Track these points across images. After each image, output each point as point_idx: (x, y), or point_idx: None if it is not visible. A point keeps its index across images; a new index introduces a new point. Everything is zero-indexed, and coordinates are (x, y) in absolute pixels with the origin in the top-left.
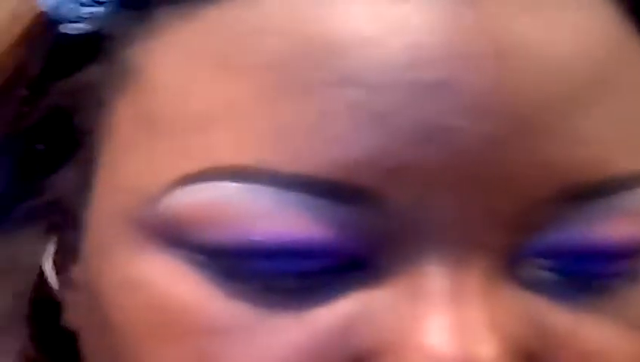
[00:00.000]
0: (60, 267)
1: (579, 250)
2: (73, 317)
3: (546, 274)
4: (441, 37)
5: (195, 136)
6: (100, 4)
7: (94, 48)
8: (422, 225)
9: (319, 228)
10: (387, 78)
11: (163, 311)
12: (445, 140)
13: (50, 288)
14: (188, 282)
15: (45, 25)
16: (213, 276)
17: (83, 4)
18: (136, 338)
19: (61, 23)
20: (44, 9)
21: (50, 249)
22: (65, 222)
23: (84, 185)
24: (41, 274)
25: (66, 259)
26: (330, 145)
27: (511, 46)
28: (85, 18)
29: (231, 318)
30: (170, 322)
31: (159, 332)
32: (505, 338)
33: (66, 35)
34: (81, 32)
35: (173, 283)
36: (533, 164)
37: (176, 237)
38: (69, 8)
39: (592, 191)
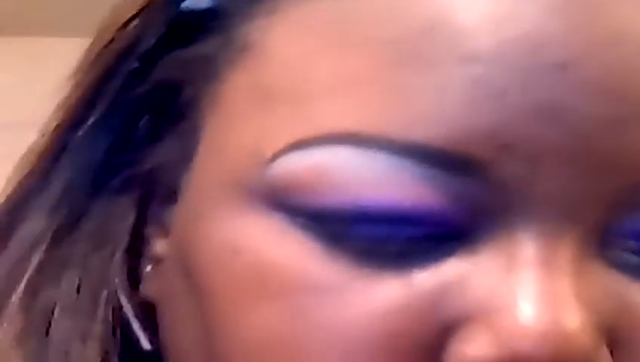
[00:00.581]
0: (143, 240)
1: None
2: (156, 287)
3: (635, 258)
4: (560, 21)
5: (314, 104)
6: None
7: (212, 23)
8: (524, 199)
9: (430, 197)
10: (508, 58)
11: (262, 271)
12: (562, 119)
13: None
14: (288, 243)
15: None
16: (314, 238)
17: None
18: (231, 300)
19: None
20: None
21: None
22: (158, 195)
23: (185, 156)
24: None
25: (152, 232)
26: (449, 116)
27: (622, 32)
28: None
29: (329, 277)
30: (267, 281)
31: (256, 292)
32: (591, 311)
33: (186, 9)
34: (201, 7)
35: (273, 244)
36: (637, 147)
37: (281, 201)
38: None
39: None
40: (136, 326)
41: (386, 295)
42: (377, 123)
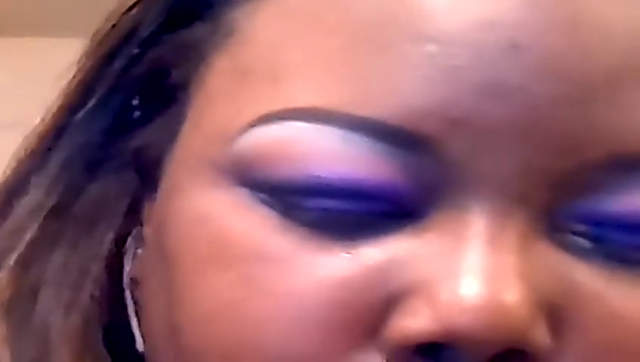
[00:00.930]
0: (133, 224)
1: (617, 219)
2: (139, 267)
3: (583, 241)
4: (515, 3)
5: (281, 83)
6: None
7: (205, 9)
8: (472, 176)
9: (383, 171)
10: (464, 37)
11: (220, 241)
12: (511, 97)
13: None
14: (247, 216)
15: None
16: (271, 211)
17: None
18: (193, 268)
19: None
20: None
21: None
22: (150, 177)
23: (171, 138)
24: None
25: (144, 215)
26: (402, 93)
27: (577, 17)
28: None
29: (281, 247)
30: (224, 251)
31: (214, 263)
32: (533, 288)
33: None
34: None
35: (234, 217)
36: (586, 127)
37: (244, 175)
38: None
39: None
40: (130, 308)
41: (332, 267)
42: (336, 99)
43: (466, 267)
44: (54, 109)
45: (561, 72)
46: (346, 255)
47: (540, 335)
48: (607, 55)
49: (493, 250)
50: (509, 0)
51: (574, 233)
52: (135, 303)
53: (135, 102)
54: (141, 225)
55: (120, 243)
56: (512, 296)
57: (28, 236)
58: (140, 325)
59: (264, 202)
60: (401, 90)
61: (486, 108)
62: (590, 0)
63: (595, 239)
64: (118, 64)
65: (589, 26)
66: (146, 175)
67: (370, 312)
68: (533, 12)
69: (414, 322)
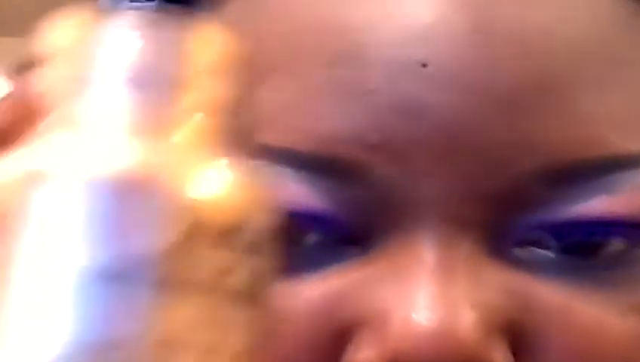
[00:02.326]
0: None
1: (566, 227)
2: None
3: (538, 252)
4: (426, 17)
5: None
6: None
7: None
8: (408, 200)
9: (311, 200)
10: (372, 59)
11: None
12: (425, 116)
13: None
14: None
15: None
16: None
17: None
18: None
19: None
20: None
21: None
22: None
23: None
24: None
25: None
26: (316, 120)
27: (497, 26)
28: None
29: None
30: None
31: None
32: (485, 310)
33: None
34: None
35: None
36: (511, 140)
37: None
38: None
39: (577, 171)
40: None
41: (279, 304)
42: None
43: (416, 297)
44: None
45: (474, 86)
46: (290, 290)
47: (499, 356)
48: (524, 63)
49: (442, 278)
50: (420, 17)
51: (531, 244)
52: None
53: None
54: None
55: None
56: (464, 320)
57: None
58: None
59: None
60: (312, 118)
61: (402, 130)
62: (503, 7)
63: (551, 249)
64: None
65: (501, 34)
66: None
67: (326, 346)
68: (444, 26)
69: (366, 354)
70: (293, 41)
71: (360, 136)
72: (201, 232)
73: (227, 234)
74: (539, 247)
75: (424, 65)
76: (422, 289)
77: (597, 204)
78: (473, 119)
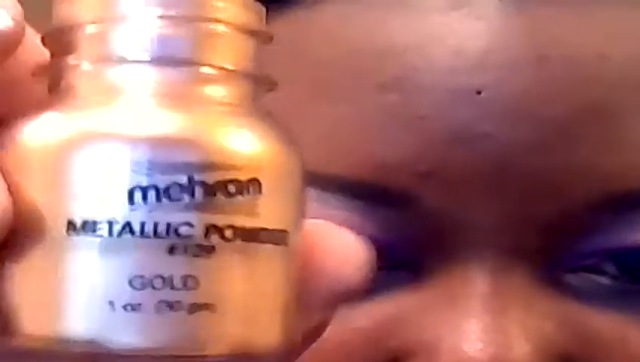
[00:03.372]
0: None
1: (625, 254)
2: None
3: (593, 279)
4: (481, 43)
5: None
6: None
7: None
8: (460, 228)
9: (359, 227)
10: (424, 84)
11: None
12: (478, 145)
13: None
14: None
15: None
16: None
17: None
18: None
19: None
20: None
21: None
22: None
23: None
24: None
25: None
26: (366, 147)
27: (552, 50)
28: None
29: None
30: None
31: None
32: (538, 341)
33: None
34: None
35: None
36: (565, 168)
37: None
38: None
39: (633, 198)
40: None
41: (330, 332)
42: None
43: (468, 327)
44: None
45: (529, 114)
46: (341, 317)
47: None
48: (580, 89)
49: (495, 308)
50: (475, 42)
51: (579, 273)
52: None
53: None
54: None
55: None
56: (518, 352)
57: None
58: None
59: None
60: (364, 145)
61: (454, 158)
62: (559, 31)
63: (607, 275)
64: None
65: (558, 60)
66: None
67: None
68: (498, 53)
69: None
70: (344, 63)
71: (410, 165)
72: (234, 186)
73: (257, 187)
74: (594, 274)
75: (478, 93)
76: (473, 319)
77: None
78: (527, 147)
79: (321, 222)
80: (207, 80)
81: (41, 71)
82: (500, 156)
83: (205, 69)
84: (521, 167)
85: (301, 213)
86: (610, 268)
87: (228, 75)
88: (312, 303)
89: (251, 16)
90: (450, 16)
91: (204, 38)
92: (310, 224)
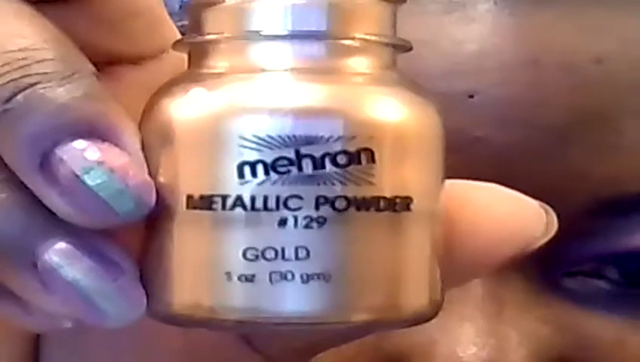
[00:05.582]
0: None
1: (622, 258)
2: None
3: (590, 283)
4: (474, 47)
5: None
6: None
7: None
8: None
9: None
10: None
11: None
12: (470, 149)
13: None
14: None
15: None
16: None
17: None
18: None
19: None
20: None
21: None
22: None
23: None
24: None
25: None
26: None
27: (541, 50)
28: None
29: None
30: None
31: None
32: (534, 345)
33: None
34: None
35: None
36: (561, 173)
37: None
38: None
39: (631, 204)
40: None
41: None
42: None
43: (462, 331)
44: None
45: (523, 118)
46: None
47: None
48: (575, 94)
49: (490, 312)
50: (468, 45)
51: (577, 277)
52: None
53: None
54: None
55: None
56: (512, 356)
57: None
58: None
59: None
60: None
61: (447, 163)
62: (555, 36)
63: (606, 280)
64: None
65: (552, 64)
66: None
67: None
68: (491, 58)
69: None
70: None
71: None
72: (343, 156)
73: (370, 156)
74: (591, 278)
75: (471, 97)
76: (468, 323)
77: None
78: (521, 151)
79: (470, 183)
80: (347, 52)
81: (181, 45)
82: (493, 160)
83: (344, 42)
84: (515, 171)
85: (436, 177)
86: (608, 272)
87: (367, 45)
88: (461, 263)
89: None
90: (443, 20)
91: (342, 10)
92: (458, 185)
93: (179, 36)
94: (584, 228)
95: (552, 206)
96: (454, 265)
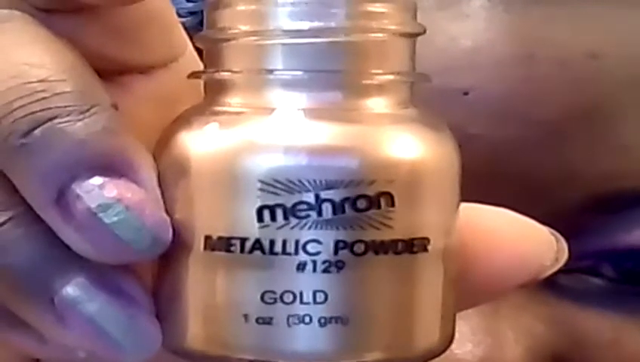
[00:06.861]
0: None
1: (618, 255)
2: None
3: (586, 280)
4: (468, 43)
5: None
6: None
7: None
8: None
9: None
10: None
11: None
12: (466, 146)
13: None
14: None
15: None
16: None
17: None
18: None
19: None
20: None
21: None
22: None
23: None
24: None
25: None
26: None
27: (540, 50)
28: None
29: None
30: None
31: None
32: (530, 343)
33: None
34: None
35: None
36: (556, 169)
37: None
38: None
39: (627, 201)
40: None
41: None
42: None
43: (461, 330)
44: None
45: (518, 114)
46: None
47: None
48: (570, 90)
49: (485, 309)
50: (462, 42)
51: (573, 275)
52: None
53: None
54: None
55: None
56: (508, 353)
57: None
58: None
59: None
60: None
61: None
62: (550, 31)
63: (602, 277)
64: None
65: (547, 60)
66: None
67: None
68: (486, 53)
69: None
70: None
71: None
72: (363, 201)
73: (389, 200)
74: (587, 275)
75: (465, 93)
76: (462, 320)
77: None
78: (517, 148)
79: (484, 210)
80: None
81: (196, 78)
82: (489, 157)
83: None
84: (511, 167)
85: (452, 213)
86: (604, 269)
87: (387, 82)
88: (473, 288)
89: (406, 16)
90: (437, 16)
91: (358, 49)
92: (472, 215)
93: (188, 43)
94: (580, 225)
95: (547, 202)
96: (466, 289)
